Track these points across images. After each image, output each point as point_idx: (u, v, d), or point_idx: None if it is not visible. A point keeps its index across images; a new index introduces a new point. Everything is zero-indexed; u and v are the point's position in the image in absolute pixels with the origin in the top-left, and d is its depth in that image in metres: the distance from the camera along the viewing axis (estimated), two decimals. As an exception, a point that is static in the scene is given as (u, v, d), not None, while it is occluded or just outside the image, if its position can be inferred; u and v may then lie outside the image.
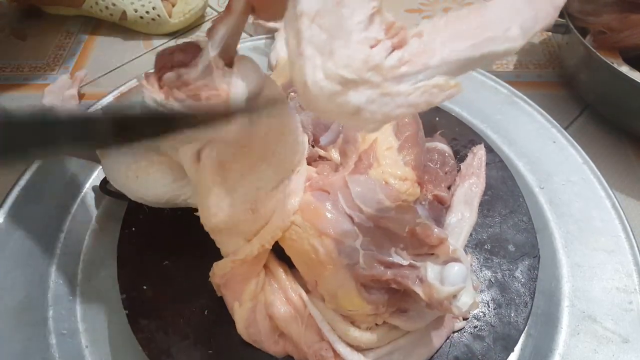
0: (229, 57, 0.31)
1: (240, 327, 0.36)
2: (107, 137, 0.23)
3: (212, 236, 0.36)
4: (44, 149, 0.22)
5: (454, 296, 0.29)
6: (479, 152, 0.48)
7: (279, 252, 0.37)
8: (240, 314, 0.36)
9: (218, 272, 0.36)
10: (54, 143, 0.21)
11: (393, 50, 0.25)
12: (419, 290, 0.30)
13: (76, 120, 0.22)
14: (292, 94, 0.45)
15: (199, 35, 0.75)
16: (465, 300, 0.29)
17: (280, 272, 0.37)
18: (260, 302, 0.36)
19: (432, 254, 0.31)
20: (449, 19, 0.26)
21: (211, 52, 0.29)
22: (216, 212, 0.34)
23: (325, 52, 0.23)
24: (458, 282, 0.29)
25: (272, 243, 0.35)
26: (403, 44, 0.25)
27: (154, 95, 0.30)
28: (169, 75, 0.29)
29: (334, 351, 0.34)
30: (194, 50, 0.30)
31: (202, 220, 0.35)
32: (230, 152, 0.33)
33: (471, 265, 0.41)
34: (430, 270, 0.30)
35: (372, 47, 0.24)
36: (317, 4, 0.23)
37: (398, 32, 0.25)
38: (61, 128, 0.21)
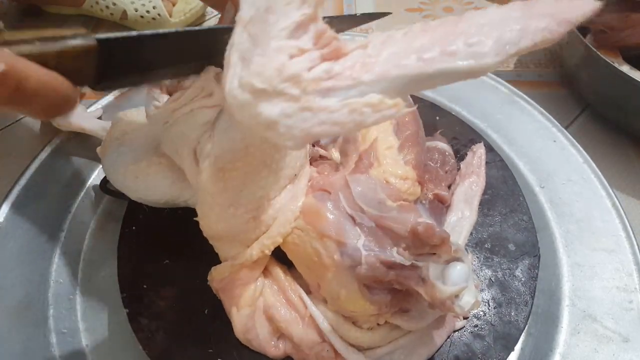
0: None
1: (238, 332, 0.36)
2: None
3: (210, 242, 0.36)
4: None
5: (456, 296, 0.29)
6: (479, 150, 0.48)
7: (277, 253, 0.37)
8: (238, 319, 0.36)
9: (216, 276, 0.36)
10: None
11: (323, 62, 0.22)
12: (421, 290, 0.30)
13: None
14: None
15: (199, 35, 0.75)
16: (467, 300, 0.29)
17: (280, 273, 0.37)
18: (259, 308, 0.36)
19: (434, 253, 0.31)
20: (414, 29, 0.23)
21: None
22: (217, 220, 0.34)
23: (245, 59, 0.22)
24: (460, 281, 0.29)
25: (272, 249, 0.35)
26: (339, 56, 0.23)
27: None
28: None
29: (335, 352, 0.34)
30: None
31: (202, 227, 0.35)
32: (229, 157, 0.32)
33: (471, 264, 0.41)
34: (432, 270, 0.30)
35: (292, 56, 0.22)
36: (251, 11, 0.22)
37: (329, 42, 0.23)
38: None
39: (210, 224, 0.34)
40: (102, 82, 0.24)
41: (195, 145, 0.34)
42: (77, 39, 0.22)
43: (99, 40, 0.23)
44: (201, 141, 0.33)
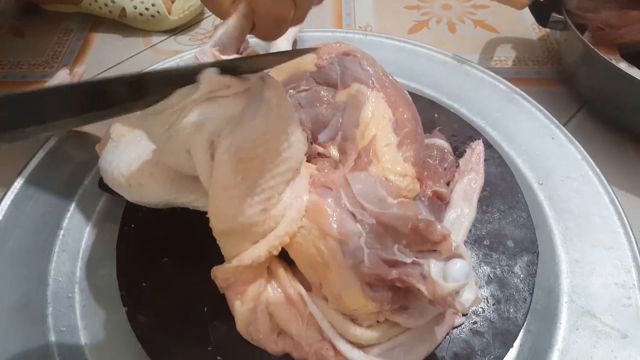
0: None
1: (240, 325, 0.36)
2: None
3: (217, 238, 0.35)
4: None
5: (457, 292, 0.29)
6: (477, 147, 0.48)
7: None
8: (241, 312, 0.36)
9: (220, 276, 0.36)
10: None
11: None
12: (422, 287, 0.30)
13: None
14: (291, 90, 0.45)
15: (198, 32, 0.75)
16: (467, 297, 0.29)
17: (280, 270, 0.37)
18: (262, 302, 0.36)
19: (435, 250, 0.31)
20: None
21: (207, 46, 0.29)
22: (235, 214, 0.33)
23: None
24: (461, 278, 0.29)
25: (280, 249, 0.35)
26: None
27: None
28: None
29: (335, 349, 0.34)
30: None
31: (212, 224, 0.34)
32: (250, 145, 0.32)
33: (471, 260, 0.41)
34: (433, 266, 0.30)
35: None
36: None
37: None
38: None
39: (222, 218, 0.34)
40: None
41: (215, 138, 0.32)
42: None
43: None
44: (222, 134, 0.32)
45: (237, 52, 0.34)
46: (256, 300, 0.36)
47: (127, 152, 0.39)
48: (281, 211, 0.35)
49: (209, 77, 0.29)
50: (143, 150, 0.38)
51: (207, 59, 0.31)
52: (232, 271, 0.35)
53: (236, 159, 0.32)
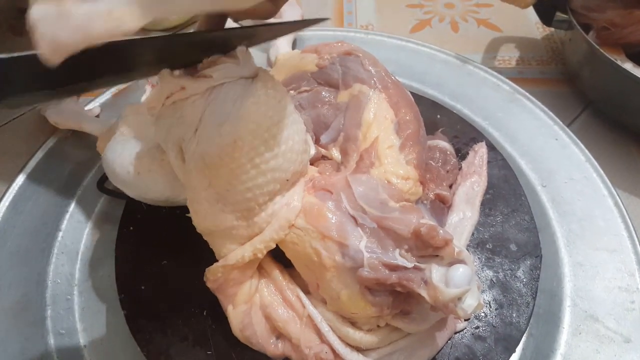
0: None
1: (235, 329, 0.35)
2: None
3: (204, 238, 0.35)
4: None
5: (459, 298, 0.29)
6: (481, 150, 0.48)
7: (275, 252, 0.36)
8: (234, 316, 0.35)
9: (210, 276, 0.36)
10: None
11: None
12: (423, 292, 0.30)
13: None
14: (292, 91, 0.45)
15: (197, 31, 0.74)
16: (470, 302, 0.29)
17: (277, 273, 0.36)
18: (256, 304, 0.35)
19: (437, 255, 0.31)
20: None
21: None
22: (206, 217, 0.33)
23: None
24: (463, 284, 0.29)
25: (265, 253, 0.35)
26: None
27: None
28: None
29: (334, 353, 0.34)
30: None
31: (194, 223, 0.35)
32: (216, 152, 0.31)
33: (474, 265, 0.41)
34: (435, 272, 0.30)
35: None
36: None
37: None
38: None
39: (199, 219, 0.34)
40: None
41: (181, 142, 0.33)
42: None
43: None
44: (185, 139, 0.32)
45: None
46: (248, 303, 0.35)
47: (137, 143, 0.39)
48: (266, 219, 0.34)
49: (162, 77, 0.29)
50: (150, 142, 0.38)
51: None
52: (220, 271, 0.35)
53: (203, 163, 0.32)
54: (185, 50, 0.31)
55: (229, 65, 0.32)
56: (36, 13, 0.21)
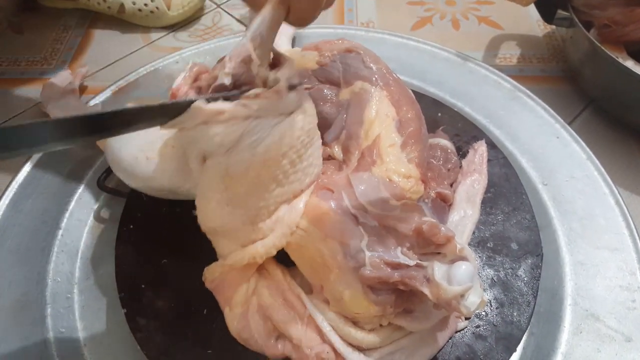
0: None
1: (233, 331, 0.35)
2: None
3: (208, 236, 0.35)
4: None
5: (462, 296, 0.29)
6: (480, 148, 0.47)
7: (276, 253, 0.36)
8: (231, 318, 0.35)
9: (208, 276, 0.36)
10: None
11: None
12: (426, 290, 0.29)
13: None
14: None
15: (197, 29, 0.74)
16: (473, 300, 0.29)
17: (278, 273, 0.36)
18: (253, 307, 0.35)
19: (439, 253, 0.31)
20: None
21: (246, 39, 0.29)
22: (213, 217, 0.33)
23: None
24: (466, 281, 0.29)
25: (265, 259, 0.35)
26: None
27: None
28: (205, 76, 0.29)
29: (336, 353, 0.34)
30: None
31: (199, 221, 0.35)
32: (242, 168, 0.32)
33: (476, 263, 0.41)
34: (437, 269, 0.30)
35: None
36: None
37: None
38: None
39: (207, 219, 0.34)
40: None
41: (207, 155, 0.33)
42: None
43: None
44: (213, 155, 0.32)
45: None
46: (245, 305, 0.35)
47: (144, 133, 0.39)
48: (270, 226, 0.34)
49: (194, 110, 0.29)
50: (159, 134, 0.38)
51: (245, 54, 0.30)
52: (219, 270, 0.35)
53: (226, 172, 0.32)
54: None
55: (270, 103, 0.32)
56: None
